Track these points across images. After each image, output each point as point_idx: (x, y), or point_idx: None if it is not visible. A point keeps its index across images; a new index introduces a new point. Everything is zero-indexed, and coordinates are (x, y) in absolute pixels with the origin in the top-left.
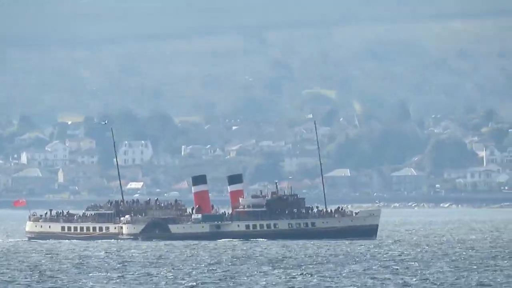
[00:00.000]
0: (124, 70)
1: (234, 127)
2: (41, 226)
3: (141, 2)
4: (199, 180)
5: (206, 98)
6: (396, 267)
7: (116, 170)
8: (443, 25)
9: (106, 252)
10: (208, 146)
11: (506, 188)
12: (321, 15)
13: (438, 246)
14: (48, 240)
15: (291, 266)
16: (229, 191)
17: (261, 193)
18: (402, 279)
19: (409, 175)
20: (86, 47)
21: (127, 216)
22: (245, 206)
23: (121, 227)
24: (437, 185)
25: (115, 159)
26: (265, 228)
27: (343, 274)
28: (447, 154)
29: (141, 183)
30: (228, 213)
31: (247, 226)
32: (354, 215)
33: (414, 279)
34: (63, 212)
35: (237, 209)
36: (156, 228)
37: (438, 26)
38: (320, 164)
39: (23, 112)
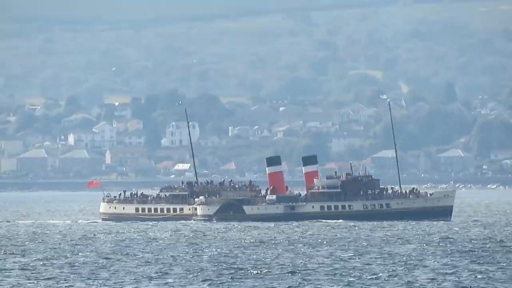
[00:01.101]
0: (170, 50)
1: (281, 108)
2: (115, 208)
3: None
4: (273, 161)
5: (252, 78)
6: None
7: (163, 151)
8: (489, 4)
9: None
10: (256, 127)
11: None
12: None
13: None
14: (122, 222)
15: (337, 248)
16: (303, 172)
17: (336, 174)
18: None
19: (456, 156)
20: (131, 27)
21: (201, 197)
22: (320, 187)
23: (195, 208)
24: (484, 166)
25: (161, 139)
26: (339, 209)
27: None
28: (494, 135)
29: (189, 165)
30: (303, 194)
31: (322, 207)
32: (428, 196)
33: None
34: (137, 193)
35: (312, 190)
36: (231, 209)
37: (483, 6)
38: (395, 144)
39: (70, 93)
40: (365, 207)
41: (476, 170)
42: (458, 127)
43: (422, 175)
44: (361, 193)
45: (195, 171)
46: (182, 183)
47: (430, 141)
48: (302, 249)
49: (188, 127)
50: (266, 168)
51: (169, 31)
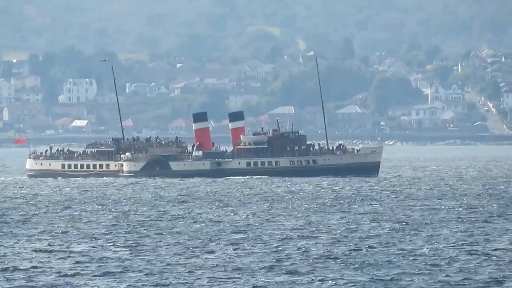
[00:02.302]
0: (69, 7)
1: (178, 65)
2: (41, 164)
3: None
4: (200, 117)
5: (150, 35)
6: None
7: (60, 108)
8: None
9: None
10: (153, 83)
11: (451, 125)
12: None
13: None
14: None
15: (236, 204)
16: (230, 128)
17: (262, 130)
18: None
19: (353, 112)
20: None
21: (127, 153)
22: (246, 143)
23: (122, 165)
24: (382, 123)
25: (58, 96)
26: (266, 165)
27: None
28: (392, 91)
29: (86, 121)
30: (229, 150)
31: (248, 164)
32: (355, 152)
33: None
34: (63, 149)
35: (238, 146)
36: (157, 165)
37: None
38: (322, 101)
39: None
40: (291, 163)
41: (374, 126)
42: (356, 83)
43: (319, 131)
44: (288, 149)
45: (122, 128)
46: (114, 139)
47: (328, 98)
48: (194, 205)
49: (115, 85)
50: (193, 124)
51: None
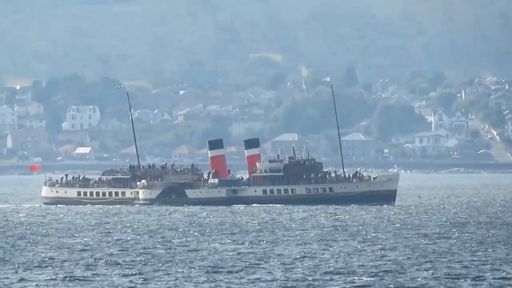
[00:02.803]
0: (71, 33)
1: (181, 92)
2: (57, 191)
3: None
4: (215, 144)
5: (153, 62)
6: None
7: (63, 135)
8: None
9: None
10: (156, 110)
11: (454, 153)
12: None
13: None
14: (64, 205)
15: (239, 232)
16: (246, 155)
17: (278, 157)
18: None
19: (357, 139)
20: (32, 10)
21: (143, 181)
22: (262, 171)
23: (137, 192)
24: (385, 150)
25: (62, 123)
26: (282, 193)
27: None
28: (395, 118)
29: (89, 148)
30: (245, 178)
31: (264, 191)
32: (372, 179)
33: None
34: (79, 176)
35: (254, 174)
36: (173, 193)
37: None
38: (338, 128)
39: None
40: (308, 191)
41: (377, 153)
42: (359, 110)
43: (323, 158)
44: (304, 176)
45: (137, 155)
46: (130, 166)
47: (331, 125)
48: (196, 234)
49: (130, 111)
50: (208, 152)
51: (69, 14)
